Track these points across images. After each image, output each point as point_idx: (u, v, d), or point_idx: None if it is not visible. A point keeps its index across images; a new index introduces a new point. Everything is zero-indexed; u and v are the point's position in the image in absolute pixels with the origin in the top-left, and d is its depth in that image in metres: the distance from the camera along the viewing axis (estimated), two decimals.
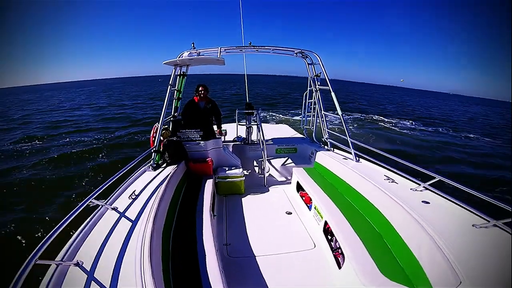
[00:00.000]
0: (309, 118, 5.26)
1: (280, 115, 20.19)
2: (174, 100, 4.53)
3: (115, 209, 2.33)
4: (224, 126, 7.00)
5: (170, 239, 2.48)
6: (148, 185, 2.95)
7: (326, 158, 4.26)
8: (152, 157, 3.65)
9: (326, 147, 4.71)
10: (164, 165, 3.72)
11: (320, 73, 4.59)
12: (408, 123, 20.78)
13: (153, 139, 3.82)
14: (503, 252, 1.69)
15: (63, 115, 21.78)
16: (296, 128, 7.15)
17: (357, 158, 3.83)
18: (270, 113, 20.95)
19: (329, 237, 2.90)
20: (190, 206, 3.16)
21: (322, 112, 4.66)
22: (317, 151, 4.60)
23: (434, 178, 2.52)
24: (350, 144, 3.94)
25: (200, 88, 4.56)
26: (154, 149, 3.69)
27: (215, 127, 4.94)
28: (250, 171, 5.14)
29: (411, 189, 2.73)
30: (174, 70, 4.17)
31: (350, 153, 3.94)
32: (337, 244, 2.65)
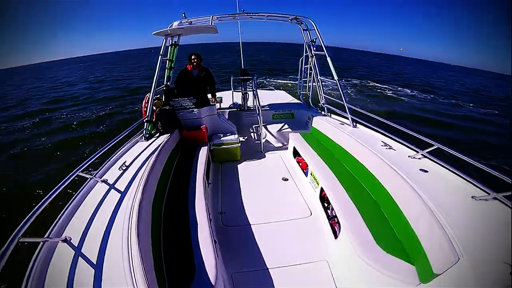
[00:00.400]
0: (306, 84, 5.10)
1: (278, 80, 19.62)
2: (166, 70, 4.34)
3: (104, 181, 2.24)
4: (219, 94, 6.83)
5: (162, 209, 2.45)
6: (140, 156, 2.85)
7: (322, 123, 4.20)
8: (145, 127, 3.58)
9: (323, 112, 4.63)
10: (157, 134, 3.67)
11: (315, 38, 4.40)
12: (408, 91, 20.32)
13: (145, 109, 3.71)
14: (503, 226, 1.62)
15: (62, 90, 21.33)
16: (293, 94, 6.98)
17: (354, 124, 3.76)
18: (268, 79, 20.31)
19: (326, 205, 2.89)
20: (183, 174, 3.12)
21: (318, 77, 4.50)
22: (313, 116, 4.53)
23: (432, 145, 2.43)
24: (347, 109, 3.84)
25: (192, 57, 4.35)
26: (146, 119, 3.61)
27: (209, 96, 4.80)
28: (246, 137, 5.12)
29: (409, 156, 2.63)
30: (164, 40, 3.96)
31: (347, 118, 3.86)
32: (333, 212, 2.63)
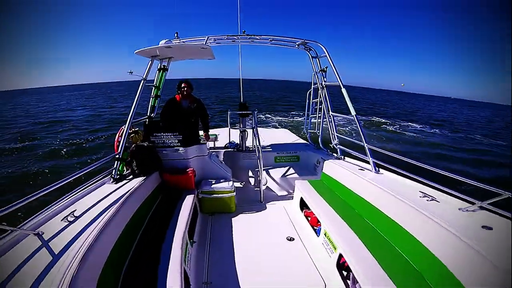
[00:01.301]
0: (314, 120, 4.44)
1: (280, 118, 19.31)
2: (151, 98, 3.73)
3: (38, 235, 1.68)
4: (215, 131, 6.15)
5: (120, 280, 1.86)
6: (99, 203, 2.21)
7: (336, 168, 3.43)
8: (115, 165, 2.83)
9: (335, 154, 3.88)
10: (131, 176, 2.89)
11: (326, 67, 3.87)
12: (418, 126, 20.06)
13: (118, 144, 2.98)
14: None
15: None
16: (299, 133, 6.31)
17: (377, 169, 3.01)
18: (268, 115, 20.07)
19: (345, 274, 2.29)
20: (158, 230, 2.40)
21: (330, 113, 3.84)
22: (324, 160, 3.77)
23: (498, 194, 1.74)
24: (367, 150, 3.11)
25: (182, 85, 3.76)
26: (118, 155, 2.87)
27: (201, 132, 4.13)
28: (244, 183, 4.31)
29: (460, 209, 2.00)
30: (150, 62, 3.42)
31: (368, 162, 3.12)
32: (357, 285, 2.04)
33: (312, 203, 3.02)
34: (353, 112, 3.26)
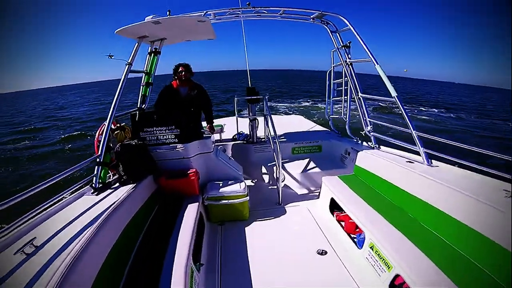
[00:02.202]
0: (336, 105, 3.75)
1: (289, 104, 18.25)
2: (141, 87, 3.07)
3: None
4: (220, 121, 5.45)
5: None
6: (74, 221, 1.65)
7: (374, 160, 2.76)
8: (95, 172, 2.20)
9: (369, 143, 3.17)
10: (116, 184, 2.27)
11: (350, 42, 3.20)
12: (437, 111, 18.92)
13: (98, 144, 2.35)
14: None
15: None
16: (313, 119, 5.58)
17: (430, 160, 2.33)
18: (275, 103, 19.08)
19: None
20: (153, 255, 1.82)
21: (360, 94, 3.10)
22: (356, 150, 3.08)
23: None
24: (415, 138, 2.41)
25: (180, 69, 3.08)
26: (98, 159, 2.23)
27: (204, 123, 3.46)
28: (256, 181, 3.66)
29: None
30: (137, 44, 2.78)
31: (417, 152, 2.45)
32: None
33: (348, 205, 2.39)
34: (393, 92, 2.55)
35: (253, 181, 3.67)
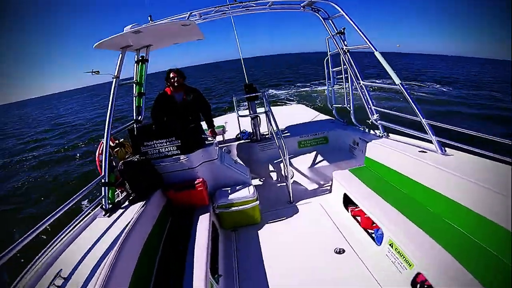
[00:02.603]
0: (338, 91, 3.63)
1: (287, 91, 17.82)
2: (134, 98, 2.97)
3: None
4: (221, 119, 5.36)
5: None
6: (93, 248, 1.65)
7: (384, 151, 2.67)
8: (103, 193, 2.16)
9: (376, 132, 3.06)
10: (126, 203, 2.24)
11: (344, 28, 3.06)
12: (438, 86, 18.34)
13: (100, 163, 2.31)
14: None
15: None
16: (314, 104, 5.42)
17: (444, 149, 2.22)
18: (274, 90, 18.64)
19: None
20: (173, 271, 1.83)
21: (362, 82, 2.98)
22: (365, 141, 2.99)
23: None
24: (426, 126, 2.31)
25: (171, 75, 2.98)
26: (104, 180, 2.19)
27: (204, 125, 3.38)
28: (264, 179, 3.61)
29: None
30: (121, 55, 2.63)
31: (428, 140, 2.35)
32: None
33: (363, 201, 2.32)
34: (397, 80, 2.44)
35: (261, 179, 3.61)
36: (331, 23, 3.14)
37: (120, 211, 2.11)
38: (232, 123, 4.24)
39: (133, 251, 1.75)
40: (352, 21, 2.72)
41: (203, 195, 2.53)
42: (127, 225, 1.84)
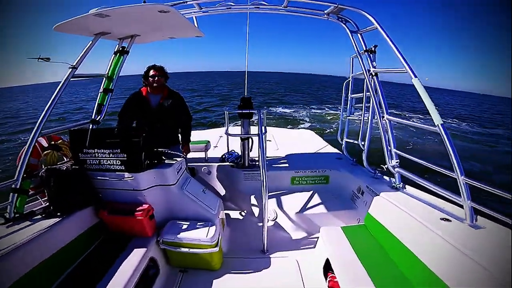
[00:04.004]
0: (353, 122, 2.98)
1: (306, 111, 17.06)
2: (99, 94, 2.52)
3: None
4: (208, 133, 4.74)
5: None
6: None
7: (392, 210, 1.96)
8: (10, 199, 1.74)
9: (392, 181, 2.34)
10: (38, 216, 1.82)
11: (375, 46, 2.40)
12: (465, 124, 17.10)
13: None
14: None
15: None
16: (321, 131, 4.71)
17: (474, 217, 1.57)
18: (275, 108, 17.93)
19: None
20: None
21: (386, 116, 2.27)
22: (372, 191, 2.30)
23: None
24: (462, 186, 1.58)
25: (151, 72, 2.52)
26: (14, 185, 1.74)
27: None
28: (245, 213, 2.95)
29: None
30: (91, 42, 2.27)
31: (458, 204, 1.68)
32: None
33: (343, 273, 1.65)
34: (438, 119, 1.71)
35: (242, 213, 2.96)
36: (360, 38, 2.52)
37: (27, 223, 1.72)
38: (223, 141, 3.66)
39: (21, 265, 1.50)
40: (388, 37, 2.07)
41: (143, 225, 1.95)
42: (28, 237, 1.56)
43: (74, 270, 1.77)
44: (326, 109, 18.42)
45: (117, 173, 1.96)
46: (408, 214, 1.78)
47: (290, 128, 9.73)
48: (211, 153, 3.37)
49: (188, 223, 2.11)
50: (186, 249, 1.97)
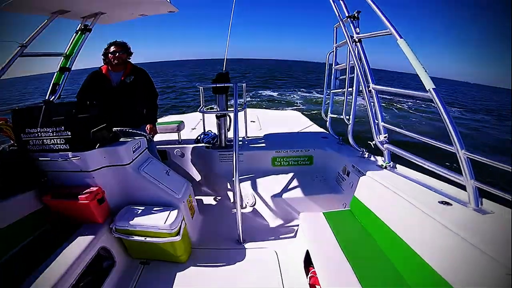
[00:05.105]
0: (337, 99, 2.70)
1: (290, 96, 16.93)
2: (55, 73, 2.34)
3: None
4: (186, 117, 4.40)
5: None
6: None
7: (382, 192, 1.70)
8: None
9: (379, 159, 2.11)
10: None
11: (358, 11, 2.11)
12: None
13: None
14: None
15: None
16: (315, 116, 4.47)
17: (479, 200, 1.29)
18: (280, 92, 17.65)
19: None
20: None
21: (372, 86, 1.97)
22: (359, 171, 2.07)
23: None
24: (463, 162, 1.30)
25: (112, 48, 2.28)
26: None
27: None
28: (219, 199, 2.73)
29: None
30: (47, 20, 2.12)
31: (460, 185, 1.39)
32: None
33: (326, 274, 1.38)
34: (429, 84, 1.43)
35: (217, 198, 2.72)
36: (342, 4, 2.20)
37: None
38: (200, 122, 3.35)
39: None
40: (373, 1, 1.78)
41: (90, 210, 1.70)
42: None
43: (7, 261, 1.53)
44: (314, 92, 18.41)
45: (61, 153, 1.69)
46: (399, 197, 1.52)
47: (278, 109, 9.51)
48: (187, 135, 3.11)
49: (144, 208, 1.85)
50: (141, 238, 1.72)
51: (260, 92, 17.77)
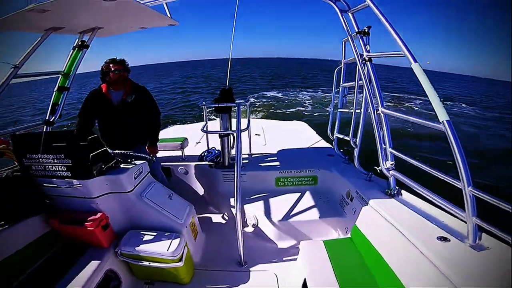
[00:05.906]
0: (347, 113, 2.63)
1: (298, 95, 16.69)
2: (54, 93, 2.32)
3: None
4: (188, 129, 4.31)
5: None
6: None
7: (381, 224, 1.69)
8: None
9: (388, 189, 2.06)
10: None
11: (369, 27, 2.03)
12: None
13: None
14: None
15: None
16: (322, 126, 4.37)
17: (477, 236, 1.30)
18: (285, 92, 17.48)
19: None
20: None
21: (381, 109, 1.91)
22: (362, 199, 2.03)
23: None
24: (468, 200, 1.28)
25: (111, 66, 2.23)
26: None
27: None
28: (225, 216, 2.74)
29: None
30: (40, 38, 2.11)
31: (461, 219, 1.41)
32: None
33: None
34: (443, 115, 1.38)
35: (221, 217, 2.74)
36: (351, 18, 2.14)
37: None
38: (204, 135, 3.34)
39: None
40: (383, 16, 1.70)
41: (96, 236, 1.74)
42: None
43: (21, 282, 1.59)
44: (320, 92, 18.23)
45: (65, 179, 1.72)
46: (398, 231, 1.52)
47: (283, 111, 9.34)
48: (192, 151, 3.13)
49: (149, 233, 1.87)
50: (146, 263, 1.77)
51: (265, 93, 17.38)
